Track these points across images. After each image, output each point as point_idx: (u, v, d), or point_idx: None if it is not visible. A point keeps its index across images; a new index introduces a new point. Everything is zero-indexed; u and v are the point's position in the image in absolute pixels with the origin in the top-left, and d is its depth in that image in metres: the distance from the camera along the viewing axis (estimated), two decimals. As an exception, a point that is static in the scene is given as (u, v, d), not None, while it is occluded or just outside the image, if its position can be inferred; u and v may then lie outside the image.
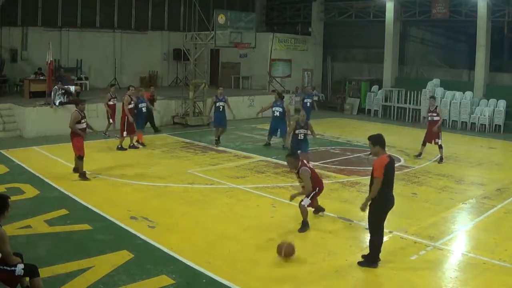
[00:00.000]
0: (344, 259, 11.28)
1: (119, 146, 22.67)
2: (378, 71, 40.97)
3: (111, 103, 25.83)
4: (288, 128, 22.28)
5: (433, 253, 11.71)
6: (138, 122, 23.62)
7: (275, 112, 24.42)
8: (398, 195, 16.67)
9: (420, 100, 36.36)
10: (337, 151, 24.01)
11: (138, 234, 12.19)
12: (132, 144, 23.03)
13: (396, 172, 20.10)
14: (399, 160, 22.31)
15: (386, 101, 38.78)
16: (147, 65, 39.86)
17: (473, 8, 35.02)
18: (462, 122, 34.37)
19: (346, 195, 16.55)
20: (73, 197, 15.25)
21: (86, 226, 12.55)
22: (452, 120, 34.72)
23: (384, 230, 12.07)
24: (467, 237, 13.61)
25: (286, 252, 10.87)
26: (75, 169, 17.52)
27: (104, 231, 12.38)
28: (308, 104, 29.42)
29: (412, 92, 36.91)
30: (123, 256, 10.74)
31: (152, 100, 26.81)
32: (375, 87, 40.22)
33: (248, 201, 15.71)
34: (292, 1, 46.95)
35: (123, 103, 22.99)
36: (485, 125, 33.06)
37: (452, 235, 13.26)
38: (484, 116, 33.16)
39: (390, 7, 39.16)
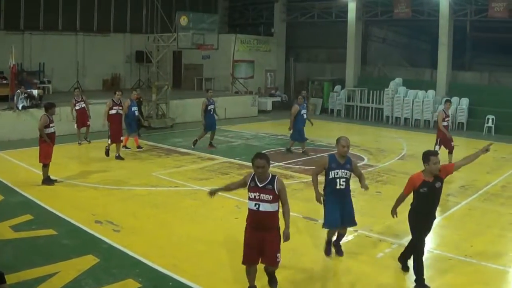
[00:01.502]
0: (311, 259, 11.42)
1: (107, 149, 21.79)
2: (340, 71, 41.29)
3: (77, 107, 25.05)
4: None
5: (398, 251, 11.82)
6: (132, 126, 23.45)
7: (304, 115, 23.80)
8: (362, 193, 16.91)
9: (382, 100, 36.69)
10: (301, 151, 24.16)
11: (103, 238, 12.17)
12: (117, 154, 21.71)
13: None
14: (363, 159, 22.57)
15: (348, 100, 39.11)
16: (109, 68, 39.81)
17: (436, 7, 35.51)
18: (425, 120, 34.76)
19: (310, 195, 16.57)
20: (38, 202, 15.16)
21: (51, 231, 12.51)
22: (415, 119, 35.14)
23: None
24: (432, 234, 13.73)
25: None
26: (46, 180, 17.30)
27: (69, 236, 12.36)
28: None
29: (375, 92, 37.29)
30: (89, 260, 10.74)
31: (139, 103, 26.32)
32: (337, 87, 40.55)
33: (212, 202, 15.69)
34: (255, 2, 47.12)
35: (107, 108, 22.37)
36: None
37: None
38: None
39: (352, 7, 39.58)
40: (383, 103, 36.82)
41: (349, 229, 13.20)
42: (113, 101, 22.04)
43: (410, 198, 10.71)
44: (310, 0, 43.04)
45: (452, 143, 20.96)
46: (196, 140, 24.34)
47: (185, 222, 13.79)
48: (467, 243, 12.57)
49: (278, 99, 42.68)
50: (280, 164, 21.01)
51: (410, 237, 11.16)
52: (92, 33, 38.83)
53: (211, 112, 24.16)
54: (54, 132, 17.39)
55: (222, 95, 36.49)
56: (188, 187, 17.33)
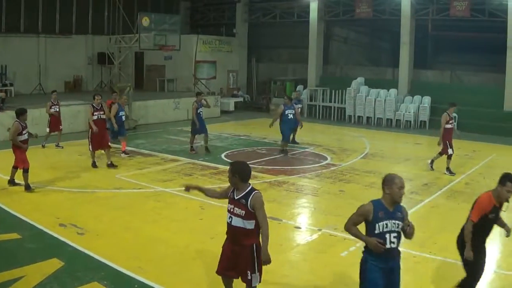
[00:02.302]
0: (275, 258, 11.42)
1: (93, 161, 20.52)
2: (302, 71, 41.51)
3: (52, 110, 24.59)
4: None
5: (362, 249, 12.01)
6: (120, 130, 22.63)
7: (289, 115, 23.93)
8: (326, 192, 17.09)
9: (345, 99, 36.90)
10: (264, 151, 24.24)
11: (68, 242, 12.08)
12: (109, 162, 20.46)
13: (323, 170, 20.57)
14: (326, 158, 22.68)
15: (311, 100, 39.28)
16: (71, 70, 39.48)
17: (397, 6, 35.90)
18: (387, 119, 35.01)
19: (274, 195, 16.73)
20: (1, 205, 14.98)
21: (15, 235, 12.39)
22: (377, 118, 35.38)
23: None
24: (396, 232, 13.95)
25: None
26: (11, 181, 17.12)
27: (34, 239, 12.25)
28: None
29: (337, 91, 37.51)
30: (54, 264, 10.65)
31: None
32: (300, 87, 40.59)
33: (176, 204, 15.77)
34: (216, 3, 47.14)
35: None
36: (410, 121, 33.79)
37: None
38: (409, 112, 33.90)
39: (314, 7, 39.79)
40: (345, 103, 37.01)
41: (314, 228, 13.33)
42: (93, 106, 20.58)
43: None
44: (272, 1, 43.19)
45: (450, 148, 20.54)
46: (192, 147, 23.77)
47: (149, 224, 13.73)
48: (431, 240, 12.70)
49: (241, 99, 42.73)
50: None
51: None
52: (54, 34, 38.46)
53: (201, 115, 23.54)
54: (27, 139, 16.87)
55: (184, 96, 36.42)
56: (152, 189, 17.28)
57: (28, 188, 16.49)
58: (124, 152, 22.87)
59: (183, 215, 14.60)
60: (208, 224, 13.63)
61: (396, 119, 34.57)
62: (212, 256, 10.37)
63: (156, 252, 11.69)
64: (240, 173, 8.50)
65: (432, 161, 20.81)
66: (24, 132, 16.63)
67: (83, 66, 40.61)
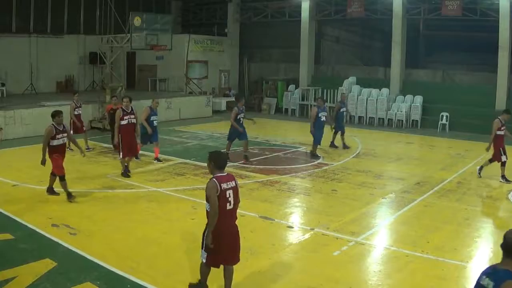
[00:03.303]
0: (268, 258, 11.44)
1: (123, 172, 19.10)
2: (294, 71, 41.60)
3: (76, 113, 23.75)
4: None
5: (355, 248, 12.00)
6: (153, 136, 21.48)
7: (322, 117, 23.41)
8: (318, 192, 17.11)
9: (336, 98, 36.91)
10: (256, 151, 24.23)
11: (60, 242, 12.04)
12: (124, 170, 19.06)
13: (315, 170, 20.61)
14: (318, 158, 22.73)
15: (303, 100, 39.36)
16: (63, 70, 39.38)
17: (389, 6, 36.00)
18: (379, 118, 35.10)
19: (266, 194, 16.73)
20: (-7, 206, 14.95)
21: (7, 236, 12.35)
22: (369, 117, 35.53)
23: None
24: (389, 231, 13.97)
25: None
26: (50, 190, 16.19)
27: (26, 239, 12.20)
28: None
29: (329, 91, 37.51)
30: (46, 264, 10.61)
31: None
32: (291, 87, 40.78)
33: (168, 204, 15.75)
34: (208, 3, 47.12)
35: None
36: (402, 121, 33.88)
37: (373, 230, 13.60)
38: (401, 112, 34.00)
39: (305, 7, 39.87)
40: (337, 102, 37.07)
41: (306, 227, 13.33)
42: (122, 110, 18.94)
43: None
44: (264, 0, 43.20)
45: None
46: (227, 154, 20.92)
47: (142, 224, 13.69)
48: (423, 239, 12.73)
49: (233, 99, 42.70)
50: (235, 164, 21.03)
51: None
52: (46, 34, 38.35)
53: (241, 121, 21.94)
54: (64, 144, 15.97)
55: (176, 96, 36.41)
56: (144, 189, 17.26)
57: (70, 196, 15.59)
58: (157, 159, 21.82)
59: (175, 215, 14.58)
60: (201, 224, 13.51)
61: (388, 119, 34.68)
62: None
63: (148, 252, 11.67)
64: (215, 160, 9.17)
65: (481, 168, 20.05)
66: (58, 136, 15.58)
67: (74, 66, 40.51)
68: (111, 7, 33.55)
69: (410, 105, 34.41)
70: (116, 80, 31.08)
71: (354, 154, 23.86)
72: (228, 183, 9.04)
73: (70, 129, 21.91)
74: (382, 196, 16.86)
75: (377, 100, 35.38)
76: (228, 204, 9.07)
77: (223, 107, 40.25)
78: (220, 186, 8.93)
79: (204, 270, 9.49)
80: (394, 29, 36.19)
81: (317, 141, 23.29)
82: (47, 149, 15.60)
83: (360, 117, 35.96)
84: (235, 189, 9.17)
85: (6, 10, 35.95)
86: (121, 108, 16.52)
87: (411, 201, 16.37)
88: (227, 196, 9.03)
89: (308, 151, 23.83)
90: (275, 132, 29.78)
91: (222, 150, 12.46)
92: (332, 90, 37.42)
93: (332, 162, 22.22)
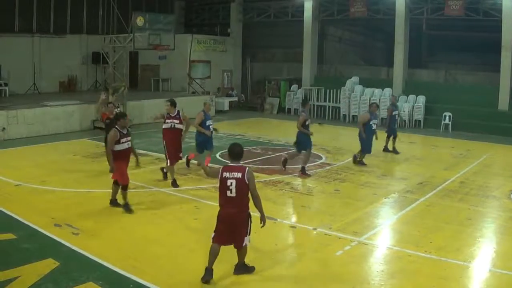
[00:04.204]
0: (270, 258, 11.44)
1: (164, 172, 18.61)
2: (297, 71, 41.55)
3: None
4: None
5: (358, 248, 12.00)
6: (208, 144, 19.84)
7: (373, 125, 21.71)
8: (321, 192, 17.09)
9: (339, 98, 36.99)
10: (259, 151, 24.24)
11: (63, 242, 12.04)
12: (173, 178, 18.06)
13: (318, 170, 20.60)
14: (321, 158, 22.70)
15: (305, 99, 39.19)
16: (66, 69, 39.33)
17: (392, 6, 36.00)
18: (382, 118, 35.00)
19: (269, 194, 16.70)
20: (-5, 206, 14.96)
21: (10, 235, 12.35)
22: (372, 117, 35.41)
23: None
24: (392, 231, 13.96)
25: None
26: (113, 202, 15.12)
27: (29, 239, 12.20)
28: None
29: (332, 91, 37.61)
30: (49, 264, 10.61)
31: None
32: (294, 86, 40.76)
33: (171, 204, 15.73)
34: (211, 2, 47.14)
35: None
36: (405, 120, 33.79)
37: (376, 230, 13.60)
38: (404, 112, 33.91)
39: (308, 6, 39.83)
40: (340, 102, 37.12)
41: (309, 227, 13.35)
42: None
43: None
44: (267, 0, 43.18)
45: None
46: (303, 168, 19.71)
47: (144, 224, 13.71)
48: (426, 239, 12.72)
49: (235, 99, 42.72)
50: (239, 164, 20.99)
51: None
52: (49, 34, 38.32)
53: (373, 128, 21.10)
54: (127, 149, 14.85)
55: (179, 96, 36.41)
56: (147, 189, 17.29)
57: (128, 209, 14.63)
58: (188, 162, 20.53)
59: (178, 214, 14.57)
60: (203, 224, 13.61)
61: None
62: (207, 256, 10.37)
63: (151, 252, 11.68)
64: (229, 151, 10.39)
65: None
66: (123, 140, 14.53)
67: (77, 66, 40.44)
68: (113, 7, 33.58)
69: (413, 105, 34.42)
70: (119, 80, 31.05)
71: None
72: (233, 173, 9.99)
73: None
74: (384, 196, 16.85)
75: (379, 100, 35.33)
76: (228, 191, 10.02)
77: (226, 107, 40.26)
78: (222, 174, 10.08)
79: (211, 248, 10.33)
80: (396, 29, 36.19)
81: (366, 150, 21.75)
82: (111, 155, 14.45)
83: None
84: (239, 181, 9.96)
85: (9, 10, 35.90)
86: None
87: (414, 201, 16.37)
88: (228, 184, 9.98)
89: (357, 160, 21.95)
90: (277, 132, 29.77)
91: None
92: (334, 90, 37.45)
93: (335, 162, 22.23)
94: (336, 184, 18.44)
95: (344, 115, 36.80)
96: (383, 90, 36.23)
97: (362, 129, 21.38)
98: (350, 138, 25.81)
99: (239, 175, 9.97)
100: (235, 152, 10.25)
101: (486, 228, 14.18)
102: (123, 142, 14.51)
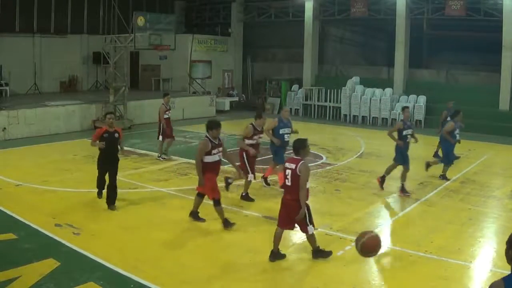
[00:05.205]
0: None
1: (229, 182, 16.85)
2: (298, 71, 41.58)
3: (166, 116, 22.33)
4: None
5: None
6: (278, 154, 17.53)
7: (457, 135, 19.40)
8: (321, 192, 17.07)
9: (340, 98, 37.00)
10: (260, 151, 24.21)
11: (64, 242, 12.05)
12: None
13: (318, 170, 20.59)
14: (321, 158, 22.70)
15: (306, 99, 39.35)
16: (67, 69, 39.31)
17: (392, 6, 36.03)
18: (382, 118, 35.09)
19: (269, 194, 16.72)
20: (-4, 206, 14.96)
21: (11, 235, 12.37)
22: (373, 117, 35.47)
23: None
24: (393, 231, 13.97)
25: (367, 245, 9.98)
26: (193, 214, 14.07)
27: (29, 239, 12.22)
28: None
29: (332, 91, 37.62)
30: (50, 264, 10.62)
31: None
32: (295, 86, 40.78)
33: (172, 204, 15.74)
34: (211, 2, 47.06)
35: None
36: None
37: (377, 230, 13.50)
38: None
39: (309, 6, 39.84)
40: (340, 102, 37.13)
41: (309, 227, 13.32)
42: (253, 126, 16.88)
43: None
44: (267, 0, 43.18)
45: None
46: (402, 186, 17.37)
47: (145, 224, 13.72)
48: (427, 239, 12.73)
49: (236, 99, 42.72)
50: (239, 164, 21.02)
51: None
52: (49, 34, 38.29)
53: (407, 140, 17.72)
54: (219, 161, 13.69)
55: (179, 96, 36.42)
56: (148, 189, 17.27)
57: (227, 225, 13.42)
58: (266, 179, 18.25)
59: (179, 215, 14.52)
60: (204, 224, 13.62)
61: (392, 118, 34.63)
62: (208, 256, 10.37)
63: (152, 252, 11.69)
64: (292, 145, 11.57)
65: None
66: (214, 151, 13.33)
67: (78, 66, 40.42)
68: (114, 7, 33.50)
69: (414, 105, 34.41)
70: (120, 80, 31.00)
71: (358, 154, 23.87)
72: (290, 164, 11.01)
73: (159, 135, 22.27)
74: (385, 196, 16.86)
75: (380, 100, 35.39)
76: (286, 180, 11.04)
77: (227, 107, 40.29)
78: (285, 164, 11.31)
79: (275, 231, 11.50)
80: (397, 29, 36.23)
81: (449, 160, 19.51)
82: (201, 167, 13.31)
83: (363, 117, 35.97)
84: (293, 171, 10.90)
85: (10, 10, 35.87)
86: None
87: (415, 201, 16.40)
88: (286, 173, 11.03)
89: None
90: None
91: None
92: (335, 90, 37.49)
93: (336, 162, 22.23)
94: (336, 184, 18.47)
95: (345, 115, 36.81)
96: (383, 90, 36.25)
97: (449, 138, 19.16)
98: (350, 138, 25.85)
99: (293, 166, 10.89)
100: (294, 146, 11.27)
101: (487, 228, 14.20)
102: (214, 154, 13.29)
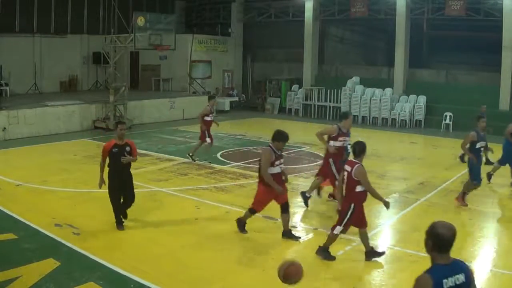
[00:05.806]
0: (271, 258, 11.42)
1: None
2: (298, 70, 41.55)
3: (208, 118, 21.56)
4: None
5: (358, 248, 11.94)
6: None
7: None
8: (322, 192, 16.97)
9: (340, 98, 36.97)
10: (260, 151, 24.10)
11: (64, 242, 12.05)
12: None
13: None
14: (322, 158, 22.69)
15: (306, 99, 39.29)
16: (67, 69, 39.23)
17: (392, 6, 35.98)
18: (382, 118, 35.09)
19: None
20: (-4, 206, 14.95)
21: (11, 235, 12.38)
22: (373, 117, 35.49)
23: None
24: (392, 231, 13.97)
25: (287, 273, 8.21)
26: (240, 223, 13.08)
27: (29, 239, 12.21)
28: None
29: (332, 91, 37.57)
30: (50, 264, 10.64)
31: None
32: (295, 86, 40.71)
33: (172, 204, 15.74)
34: (212, 2, 47.03)
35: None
36: (405, 120, 33.90)
37: (377, 230, 13.59)
38: (405, 112, 33.99)
39: (309, 6, 39.79)
40: (340, 102, 37.10)
41: (310, 227, 13.32)
42: (339, 129, 15.80)
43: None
44: (267, 0, 43.16)
45: None
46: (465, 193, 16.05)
47: (145, 224, 13.72)
48: (427, 239, 12.70)
49: (236, 99, 42.69)
50: (239, 164, 21.02)
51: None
52: (49, 34, 38.25)
53: (481, 153, 16.34)
54: (280, 173, 12.61)
55: (179, 96, 36.42)
56: (147, 189, 17.23)
57: (292, 236, 12.82)
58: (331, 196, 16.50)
59: (178, 215, 14.57)
60: (204, 224, 13.62)
61: (392, 118, 34.65)
62: (208, 256, 10.37)
63: (152, 252, 11.68)
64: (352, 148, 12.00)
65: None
66: (276, 162, 12.45)
67: (78, 66, 40.36)
68: (114, 7, 33.42)
69: (414, 105, 34.42)
70: (120, 80, 30.98)
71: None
72: (348, 167, 11.36)
73: (205, 137, 21.38)
74: (385, 196, 16.78)
75: (380, 100, 35.37)
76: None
77: (227, 107, 40.25)
78: (344, 166, 11.64)
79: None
80: (397, 29, 36.20)
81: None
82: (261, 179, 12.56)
83: (363, 117, 35.94)
84: (348, 174, 11.30)
85: (10, 10, 35.81)
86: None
87: (415, 201, 16.40)
88: (344, 174, 11.52)
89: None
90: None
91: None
92: (335, 90, 37.46)
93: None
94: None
95: (345, 115, 36.82)
96: (383, 90, 36.22)
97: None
98: (350, 139, 25.81)
99: (349, 169, 11.24)
100: (353, 149, 11.58)
101: (487, 228, 14.21)
102: (276, 165, 12.39)
